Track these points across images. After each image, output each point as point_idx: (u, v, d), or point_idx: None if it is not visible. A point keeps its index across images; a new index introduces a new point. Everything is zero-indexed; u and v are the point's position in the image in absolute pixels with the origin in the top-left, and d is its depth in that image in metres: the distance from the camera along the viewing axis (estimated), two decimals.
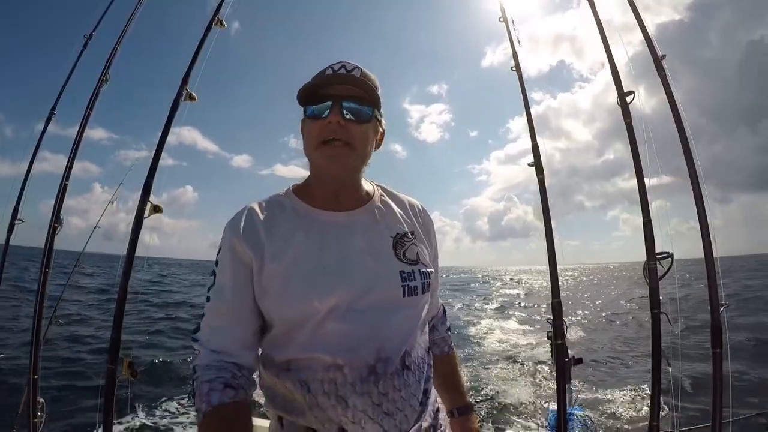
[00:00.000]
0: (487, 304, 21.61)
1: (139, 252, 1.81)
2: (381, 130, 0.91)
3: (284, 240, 0.82)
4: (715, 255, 1.76)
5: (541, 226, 2.21)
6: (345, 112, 0.81)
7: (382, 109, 0.88)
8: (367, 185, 0.94)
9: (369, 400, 0.76)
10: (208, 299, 0.84)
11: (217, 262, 0.84)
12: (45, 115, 2.65)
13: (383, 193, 0.97)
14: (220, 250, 0.85)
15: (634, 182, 2.04)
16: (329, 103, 0.81)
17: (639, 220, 1.98)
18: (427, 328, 0.94)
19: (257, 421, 2.20)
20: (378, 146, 0.92)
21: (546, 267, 2.20)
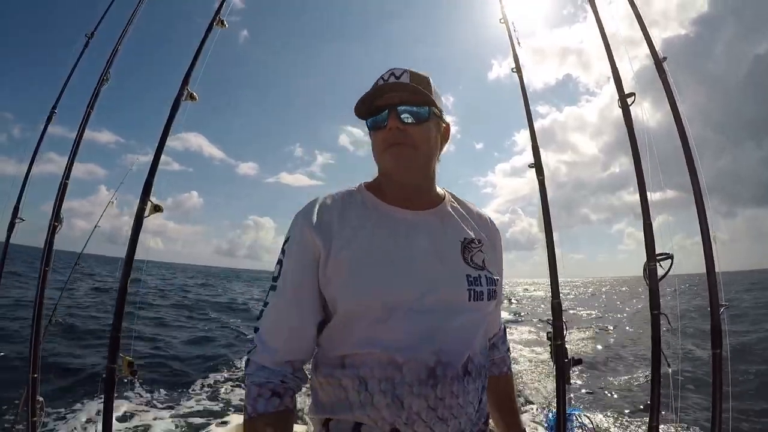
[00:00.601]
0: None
1: (141, 255, 1.81)
2: (444, 124, 0.92)
3: (354, 231, 0.83)
4: (715, 257, 1.76)
5: (545, 238, 2.21)
6: (403, 116, 0.84)
7: (440, 105, 0.90)
8: (438, 190, 0.96)
9: (425, 403, 0.75)
10: (273, 288, 0.84)
11: (284, 251, 0.85)
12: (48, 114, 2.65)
13: (453, 199, 0.98)
14: (287, 240, 0.85)
15: (638, 196, 2.03)
16: (385, 112, 0.84)
17: (643, 234, 1.97)
18: (487, 339, 0.94)
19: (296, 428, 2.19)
20: (446, 140, 0.94)
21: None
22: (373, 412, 0.76)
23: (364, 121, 0.90)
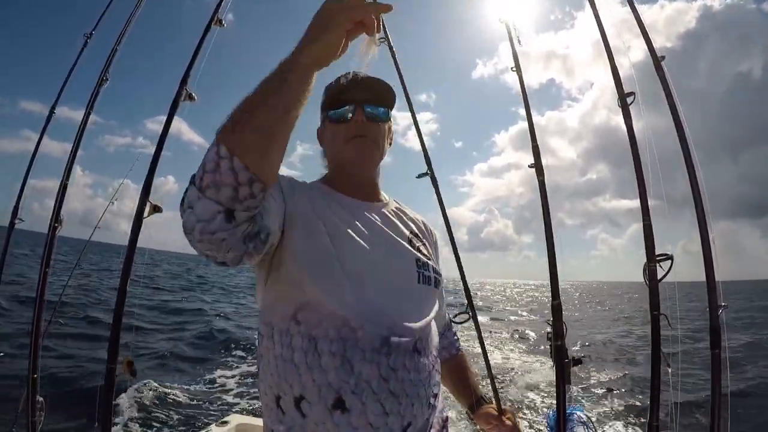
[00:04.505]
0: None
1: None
2: (392, 126, 0.99)
3: (317, 204, 0.87)
4: (714, 256, 1.76)
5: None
6: (367, 111, 0.90)
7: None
8: (384, 193, 1.03)
9: (377, 370, 0.73)
10: None
11: None
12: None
13: (395, 202, 1.06)
14: None
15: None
16: (351, 106, 0.90)
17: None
18: (436, 329, 0.95)
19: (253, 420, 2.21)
20: (390, 143, 1.00)
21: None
22: (319, 377, 0.73)
23: (324, 113, 0.96)
